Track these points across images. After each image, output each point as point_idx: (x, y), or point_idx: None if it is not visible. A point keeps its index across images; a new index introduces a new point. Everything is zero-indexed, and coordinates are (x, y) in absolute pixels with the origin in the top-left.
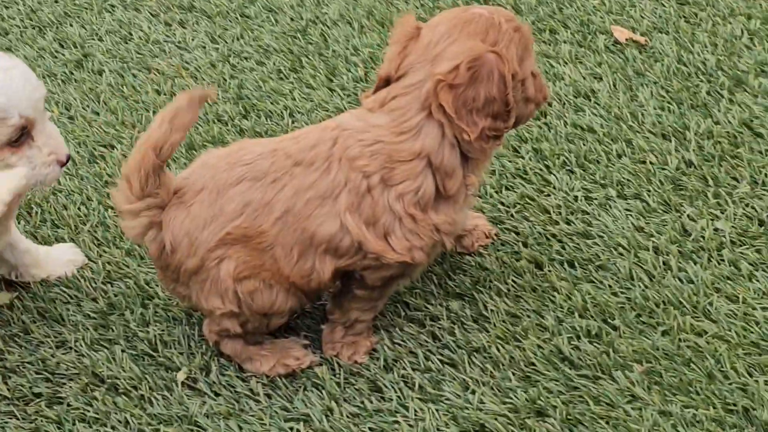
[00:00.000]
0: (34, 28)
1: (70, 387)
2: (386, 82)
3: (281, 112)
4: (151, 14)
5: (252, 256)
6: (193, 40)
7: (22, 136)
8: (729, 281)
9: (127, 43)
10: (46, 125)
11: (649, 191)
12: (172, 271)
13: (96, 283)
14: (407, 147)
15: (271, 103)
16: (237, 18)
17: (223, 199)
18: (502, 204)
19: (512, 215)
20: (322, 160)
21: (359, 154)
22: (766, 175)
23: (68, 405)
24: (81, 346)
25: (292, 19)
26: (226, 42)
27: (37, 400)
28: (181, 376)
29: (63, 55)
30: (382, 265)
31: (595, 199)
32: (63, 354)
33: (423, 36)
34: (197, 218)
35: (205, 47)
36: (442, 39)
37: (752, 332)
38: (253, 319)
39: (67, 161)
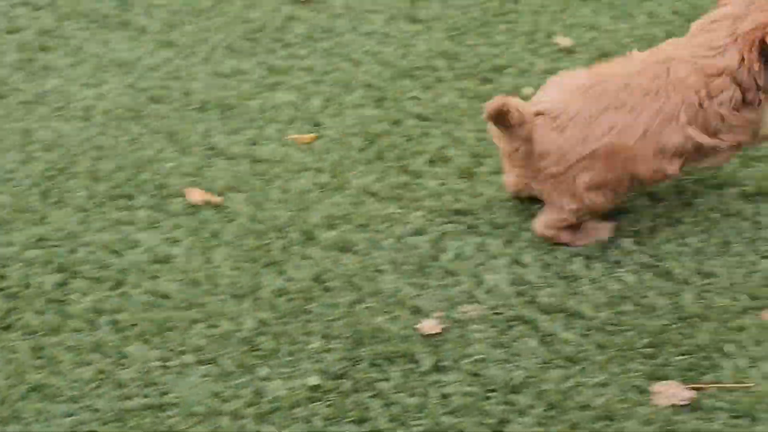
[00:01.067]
0: None
1: None
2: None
3: None
4: None
5: (607, 170)
6: None
7: None
8: None
9: None
10: None
11: (225, 355)
12: (534, 171)
13: None
14: (714, 63)
15: None
16: None
17: (593, 124)
18: (76, 381)
19: (87, 393)
20: (664, 89)
21: (686, 74)
22: (335, 328)
23: None
24: None
25: None
26: None
27: None
28: None
29: None
30: (716, 152)
31: (173, 367)
32: None
33: None
34: (570, 138)
35: None
36: None
37: None
38: (587, 214)
39: None
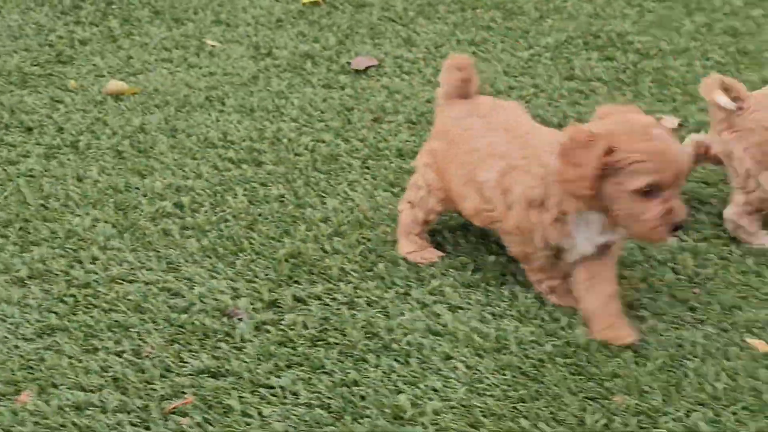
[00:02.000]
0: None
1: None
2: None
3: None
4: None
5: (442, 164)
6: None
7: None
8: None
9: None
10: None
11: None
12: None
13: None
14: (535, 167)
15: None
16: None
17: (447, 118)
18: None
19: None
20: (506, 138)
21: (507, 151)
22: None
23: None
24: None
25: None
26: None
27: None
28: None
29: None
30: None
31: None
32: None
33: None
34: (448, 119)
35: None
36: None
37: None
38: (418, 201)
39: None
